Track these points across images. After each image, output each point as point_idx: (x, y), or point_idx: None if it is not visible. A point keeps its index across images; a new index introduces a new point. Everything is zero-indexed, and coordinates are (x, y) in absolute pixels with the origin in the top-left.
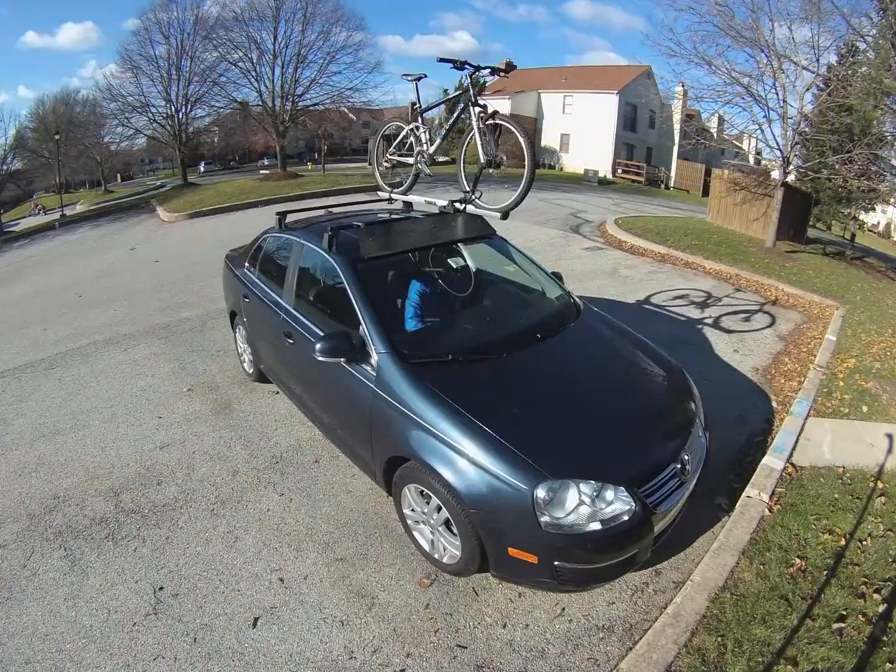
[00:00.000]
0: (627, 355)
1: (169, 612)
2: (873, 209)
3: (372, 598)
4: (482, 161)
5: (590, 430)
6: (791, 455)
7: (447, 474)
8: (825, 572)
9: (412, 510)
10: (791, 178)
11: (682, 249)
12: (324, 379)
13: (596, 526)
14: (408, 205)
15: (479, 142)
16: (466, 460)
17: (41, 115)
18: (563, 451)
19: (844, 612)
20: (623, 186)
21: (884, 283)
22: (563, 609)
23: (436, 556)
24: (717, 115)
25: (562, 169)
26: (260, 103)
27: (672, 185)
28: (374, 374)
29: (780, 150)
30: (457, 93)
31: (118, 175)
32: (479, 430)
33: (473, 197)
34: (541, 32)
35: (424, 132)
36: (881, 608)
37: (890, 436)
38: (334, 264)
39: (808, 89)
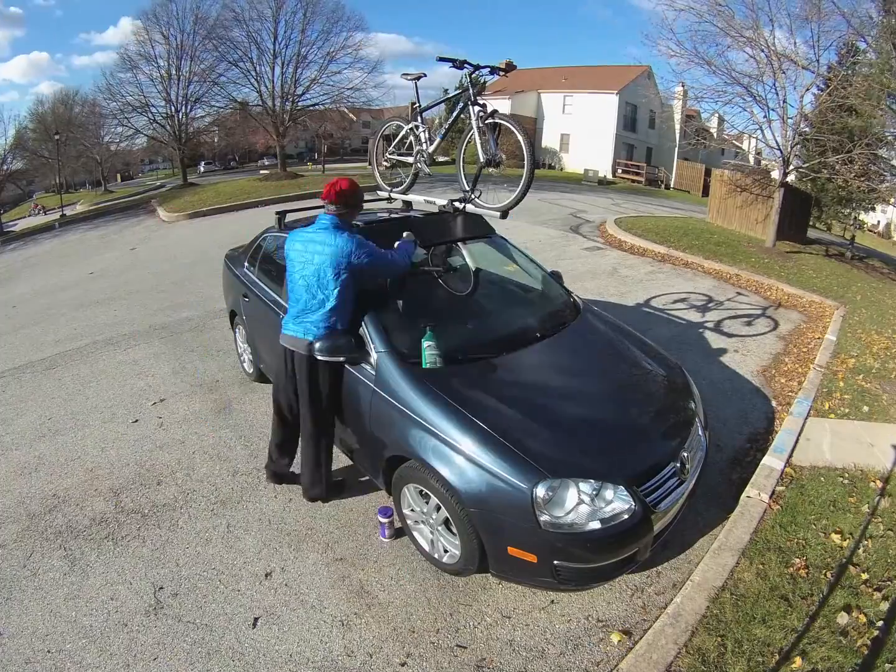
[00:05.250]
0: (627, 354)
1: (169, 612)
2: (873, 209)
3: (372, 597)
4: (481, 160)
5: (589, 429)
6: (791, 455)
7: (446, 473)
8: (825, 572)
9: (412, 510)
10: (791, 178)
11: (682, 249)
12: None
13: (595, 525)
14: (407, 204)
15: (478, 141)
16: (465, 459)
17: (41, 115)
18: (563, 450)
19: (844, 612)
20: (623, 187)
21: (884, 284)
22: (563, 609)
23: (435, 555)
24: (717, 115)
25: (562, 169)
26: (260, 103)
27: (672, 185)
28: (374, 373)
29: (780, 150)
30: (456, 92)
31: (118, 175)
32: (478, 429)
33: (473, 196)
34: None
35: (424, 131)
36: (881, 608)
37: (891, 436)
38: None
39: (807, 89)
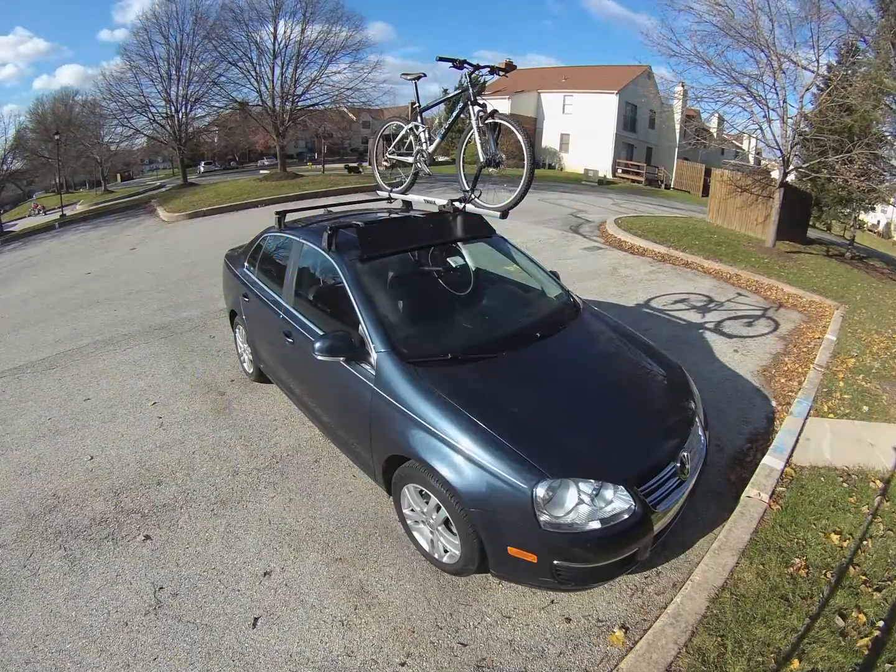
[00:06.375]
0: (626, 354)
1: (169, 612)
2: (873, 209)
3: (372, 597)
4: (481, 160)
5: (589, 429)
6: (791, 455)
7: (446, 473)
8: (825, 572)
9: (412, 510)
10: (791, 178)
11: (682, 249)
12: (323, 378)
13: (595, 525)
14: (407, 204)
15: (478, 141)
16: (465, 459)
17: (41, 115)
18: (563, 450)
19: (844, 612)
20: (623, 186)
21: (884, 284)
22: (563, 609)
23: (435, 555)
24: (717, 115)
25: (562, 169)
26: (260, 103)
27: (672, 185)
28: (374, 373)
29: (779, 149)
30: (456, 92)
31: (118, 175)
32: (478, 429)
33: (473, 196)
34: None
35: (424, 131)
36: (881, 608)
37: (891, 436)
38: (333, 263)
39: (807, 89)
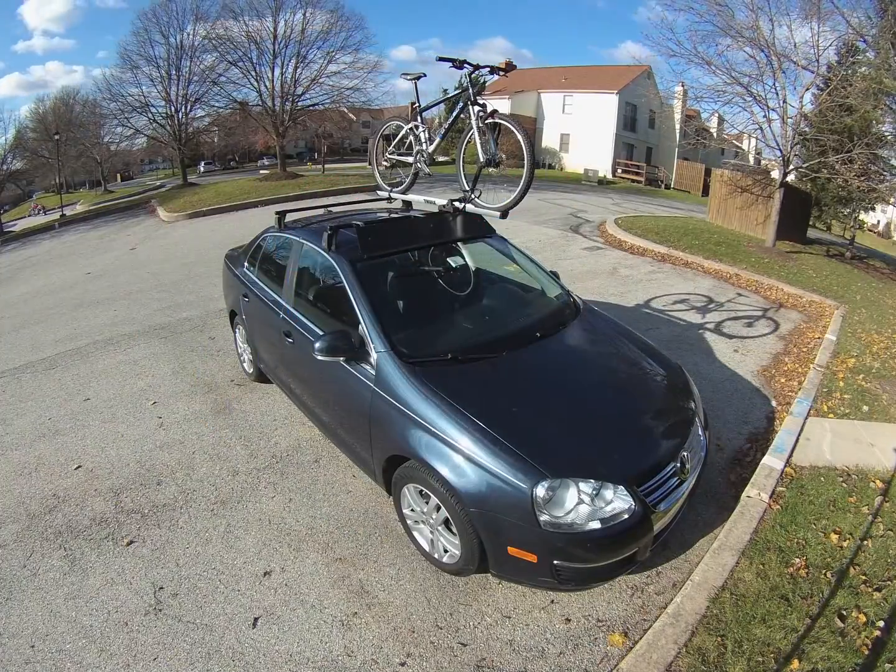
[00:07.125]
0: (626, 354)
1: (169, 612)
2: (873, 209)
3: (372, 597)
4: (481, 160)
5: (589, 429)
6: (791, 455)
7: (446, 473)
8: (825, 572)
9: (412, 510)
10: (791, 178)
11: (682, 249)
12: (323, 378)
13: (595, 525)
14: (407, 204)
15: (478, 141)
16: (465, 459)
17: (41, 114)
18: (563, 450)
19: (844, 612)
20: (623, 186)
21: (884, 283)
22: (563, 609)
23: (435, 555)
24: (717, 114)
25: (562, 169)
26: (260, 103)
27: (672, 185)
28: (374, 373)
29: (779, 149)
30: (456, 92)
31: (118, 175)
32: (478, 429)
33: (473, 196)
34: None
35: (424, 131)
36: (881, 608)
37: (891, 436)
38: (334, 263)
39: (807, 89)
